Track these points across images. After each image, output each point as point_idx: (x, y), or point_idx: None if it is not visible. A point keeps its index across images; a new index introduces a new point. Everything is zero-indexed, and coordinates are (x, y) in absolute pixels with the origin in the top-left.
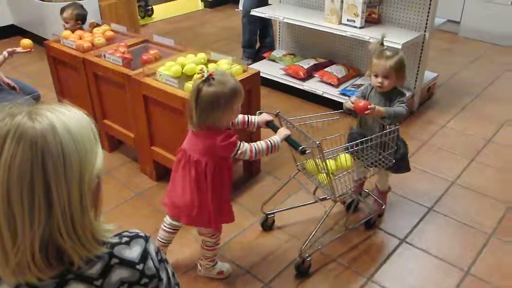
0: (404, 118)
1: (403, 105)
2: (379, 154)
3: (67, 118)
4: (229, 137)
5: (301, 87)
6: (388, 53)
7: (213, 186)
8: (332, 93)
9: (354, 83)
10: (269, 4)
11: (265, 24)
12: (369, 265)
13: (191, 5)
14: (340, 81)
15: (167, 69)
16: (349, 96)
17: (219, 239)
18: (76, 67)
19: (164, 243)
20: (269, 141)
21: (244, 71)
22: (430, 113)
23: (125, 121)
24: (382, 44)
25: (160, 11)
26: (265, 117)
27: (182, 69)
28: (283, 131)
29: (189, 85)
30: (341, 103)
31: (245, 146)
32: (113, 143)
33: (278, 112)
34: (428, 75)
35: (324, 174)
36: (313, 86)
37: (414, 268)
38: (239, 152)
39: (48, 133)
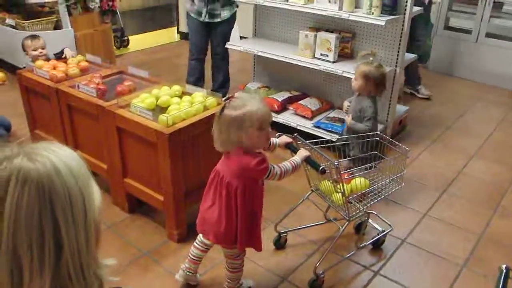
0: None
1: (367, 123)
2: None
3: (65, 157)
4: (263, 162)
5: (275, 120)
6: (365, 61)
7: (243, 208)
8: (306, 125)
9: (328, 115)
10: None
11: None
12: None
13: (167, 37)
14: (314, 114)
15: (142, 101)
16: (323, 129)
17: (243, 260)
18: (49, 97)
19: (193, 259)
20: (293, 161)
21: (219, 104)
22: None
23: (98, 153)
24: (369, 54)
25: (136, 42)
26: (285, 139)
27: (157, 101)
28: (303, 152)
29: (163, 117)
30: (315, 136)
31: (275, 168)
32: None
33: (296, 134)
34: (400, 108)
35: (340, 194)
36: (287, 118)
37: None
38: (270, 175)
39: (52, 173)
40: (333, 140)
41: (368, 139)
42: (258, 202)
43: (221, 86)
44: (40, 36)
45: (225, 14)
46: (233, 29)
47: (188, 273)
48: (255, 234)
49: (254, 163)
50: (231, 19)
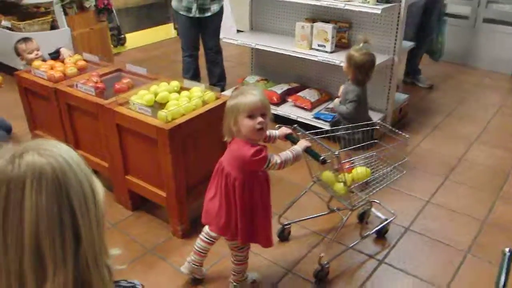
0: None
1: (348, 105)
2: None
3: (68, 151)
4: (260, 152)
5: (275, 112)
6: (357, 47)
7: (242, 202)
8: (305, 117)
9: (327, 106)
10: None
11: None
12: (350, 286)
13: (163, 33)
14: (313, 105)
15: (140, 97)
16: (323, 120)
17: (248, 253)
18: (48, 97)
19: (200, 252)
20: (293, 150)
21: (217, 98)
22: (403, 133)
23: (99, 151)
24: (363, 41)
25: (133, 40)
26: (284, 130)
27: (155, 98)
28: (304, 143)
29: (162, 113)
30: (315, 127)
31: (275, 158)
32: None
33: (296, 125)
34: (400, 96)
35: (341, 184)
36: (287, 110)
37: None
38: (270, 165)
39: (65, 167)
40: (332, 130)
41: (368, 128)
42: (259, 196)
43: (220, 80)
44: (32, 38)
45: (214, 7)
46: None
47: (193, 265)
48: (259, 229)
49: (251, 153)
50: (221, 12)
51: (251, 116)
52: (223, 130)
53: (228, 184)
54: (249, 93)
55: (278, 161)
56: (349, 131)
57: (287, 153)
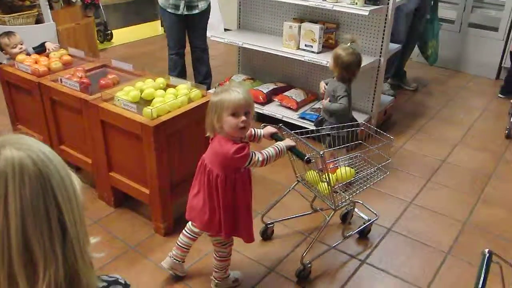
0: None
1: (341, 101)
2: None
3: (45, 146)
4: (243, 149)
5: (261, 111)
6: (344, 45)
7: (224, 198)
8: (291, 116)
9: (313, 106)
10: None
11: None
12: (332, 286)
13: (151, 30)
14: (299, 105)
15: (126, 94)
16: (308, 120)
17: (231, 249)
18: (32, 92)
19: (182, 247)
20: (277, 147)
21: (203, 95)
22: (387, 135)
23: (83, 147)
24: (349, 40)
25: (119, 36)
26: (270, 129)
27: (141, 94)
28: (289, 141)
29: (147, 110)
30: (300, 127)
31: (257, 155)
32: (70, 169)
33: (281, 125)
34: (385, 98)
35: (325, 184)
36: (273, 110)
37: None
38: (252, 162)
39: (45, 159)
40: (319, 130)
41: (352, 129)
42: (241, 193)
43: (206, 78)
44: (15, 32)
45: (202, 5)
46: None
47: (175, 260)
48: (241, 225)
49: (233, 150)
50: (208, 10)
51: (234, 114)
52: (206, 125)
53: (211, 181)
54: (233, 90)
55: (260, 158)
56: (334, 131)
57: (269, 150)
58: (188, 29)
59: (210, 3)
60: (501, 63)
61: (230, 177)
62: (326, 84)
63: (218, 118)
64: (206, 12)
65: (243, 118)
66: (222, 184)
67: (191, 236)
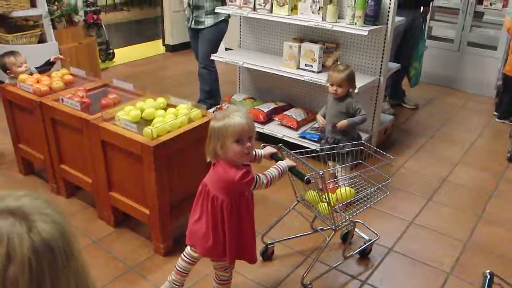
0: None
1: (362, 113)
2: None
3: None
4: (248, 174)
5: (261, 131)
6: (340, 67)
7: (230, 222)
8: (291, 136)
9: (313, 126)
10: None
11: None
12: None
13: (152, 49)
14: (300, 124)
15: (126, 113)
16: (308, 139)
17: (232, 273)
18: (33, 111)
19: (180, 271)
20: (278, 167)
21: (204, 115)
22: (387, 154)
23: (83, 166)
24: (336, 60)
25: (121, 55)
26: (269, 149)
27: (141, 114)
28: (289, 162)
29: (148, 130)
30: (300, 146)
31: (261, 178)
32: (70, 189)
33: (281, 145)
34: (385, 117)
35: (325, 204)
36: (273, 129)
37: None
38: (257, 185)
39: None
40: (318, 150)
41: (353, 148)
42: (246, 216)
43: (208, 97)
44: (18, 51)
45: (208, 21)
46: (219, 44)
47: (174, 285)
48: (246, 247)
49: (238, 176)
50: (215, 28)
51: (238, 141)
52: (207, 151)
53: (215, 207)
54: (234, 115)
55: (265, 181)
56: (334, 151)
57: (272, 171)
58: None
59: (221, 22)
60: (498, 80)
61: (236, 201)
62: (323, 116)
63: (222, 145)
64: (212, 29)
65: (248, 144)
66: (228, 210)
67: (190, 261)
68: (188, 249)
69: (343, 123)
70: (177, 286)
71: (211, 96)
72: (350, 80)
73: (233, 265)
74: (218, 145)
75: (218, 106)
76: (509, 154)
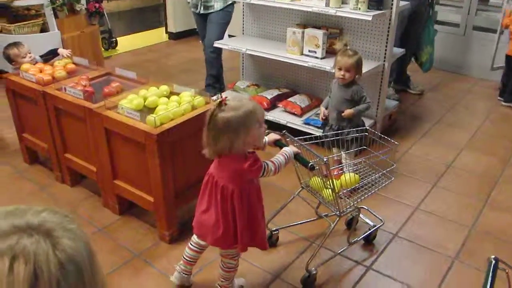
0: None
1: (366, 100)
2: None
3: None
4: (256, 162)
5: (265, 117)
6: (350, 52)
7: (242, 211)
8: (295, 122)
9: (317, 112)
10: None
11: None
12: None
13: (155, 37)
14: (304, 111)
15: (129, 102)
16: (312, 126)
17: (238, 261)
18: (36, 100)
19: (188, 260)
20: (285, 153)
21: (207, 103)
22: (392, 140)
23: (87, 155)
24: (346, 45)
25: (124, 43)
26: (273, 136)
27: (144, 102)
28: (293, 148)
29: (151, 118)
30: (304, 133)
31: (269, 165)
32: (75, 178)
33: (285, 131)
34: (390, 103)
35: (330, 190)
36: (277, 116)
37: None
38: (265, 172)
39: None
40: (322, 136)
41: (357, 135)
42: (256, 202)
43: (215, 82)
44: (21, 42)
45: (217, 5)
46: (227, 27)
47: (184, 274)
48: (257, 234)
49: (248, 164)
50: (224, 12)
51: (261, 124)
52: (213, 149)
53: (226, 197)
54: (248, 101)
55: (273, 168)
56: (338, 137)
57: (279, 158)
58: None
59: (228, 7)
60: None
61: (246, 189)
62: (326, 108)
63: (247, 133)
64: (220, 13)
65: (264, 125)
66: (239, 199)
67: (198, 249)
68: (194, 237)
69: (349, 111)
70: (186, 275)
71: (218, 80)
72: (358, 66)
73: (240, 253)
74: (240, 135)
75: (221, 99)
76: None
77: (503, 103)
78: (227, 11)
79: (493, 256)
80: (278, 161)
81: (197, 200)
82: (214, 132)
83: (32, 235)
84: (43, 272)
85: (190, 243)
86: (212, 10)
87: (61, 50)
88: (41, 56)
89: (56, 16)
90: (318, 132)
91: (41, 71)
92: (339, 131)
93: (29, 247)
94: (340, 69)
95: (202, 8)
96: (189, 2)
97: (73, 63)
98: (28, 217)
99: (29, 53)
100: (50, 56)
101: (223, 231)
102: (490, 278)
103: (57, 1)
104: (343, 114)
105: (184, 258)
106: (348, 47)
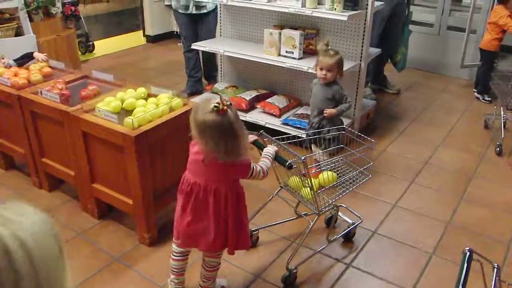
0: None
1: (348, 101)
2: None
3: (23, 231)
4: (245, 161)
5: (244, 119)
6: (331, 52)
7: (234, 212)
8: (274, 123)
9: (296, 112)
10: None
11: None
12: None
13: (133, 40)
14: (282, 111)
15: (106, 104)
16: (291, 126)
17: (220, 259)
18: (11, 105)
19: (177, 272)
20: (267, 155)
21: (185, 104)
22: (369, 139)
23: (65, 159)
24: (327, 45)
25: (101, 47)
26: (251, 136)
27: (122, 104)
28: (272, 148)
29: (128, 120)
30: (283, 133)
31: (257, 166)
32: (52, 182)
33: (262, 131)
34: (367, 102)
35: (308, 189)
36: (256, 117)
37: None
38: (254, 173)
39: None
40: (299, 136)
41: (335, 133)
42: (243, 203)
43: (216, 70)
44: None
45: (210, 5)
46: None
47: (177, 286)
48: (244, 235)
49: (238, 161)
50: (215, 12)
51: None
52: (213, 149)
53: (219, 199)
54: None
55: (260, 170)
56: (316, 136)
57: (265, 162)
58: (198, 28)
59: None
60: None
61: (235, 189)
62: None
63: (246, 135)
64: (214, 13)
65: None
66: (232, 198)
67: (182, 257)
68: (175, 247)
69: (332, 111)
70: (180, 285)
71: (216, 69)
72: (339, 66)
73: (222, 251)
74: (242, 138)
75: (223, 102)
76: (497, 149)
77: (476, 94)
78: (216, 11)
79: (467, 248)
80: (265, 164)
81: (176, 213)
82: (222, 136)
83: None
84: None
85: (173, 254)
86: (205, 10)
87: (36, 54)
88: (15, 60)
89: (31, 20)
90: (296, 132)
91: (16, 75)
92: (320, 129)
93: None
94: (321, 69)
95: (194, 8)
96: (170, 5)
97: (49, 66)
98: None
99: (2, 58)
100: (25, 60)
101: (214, 236)
102: (464, 269)
103: (32, 4)
104: (325, 114)
105: (173, 270)
106: (330, 47)
